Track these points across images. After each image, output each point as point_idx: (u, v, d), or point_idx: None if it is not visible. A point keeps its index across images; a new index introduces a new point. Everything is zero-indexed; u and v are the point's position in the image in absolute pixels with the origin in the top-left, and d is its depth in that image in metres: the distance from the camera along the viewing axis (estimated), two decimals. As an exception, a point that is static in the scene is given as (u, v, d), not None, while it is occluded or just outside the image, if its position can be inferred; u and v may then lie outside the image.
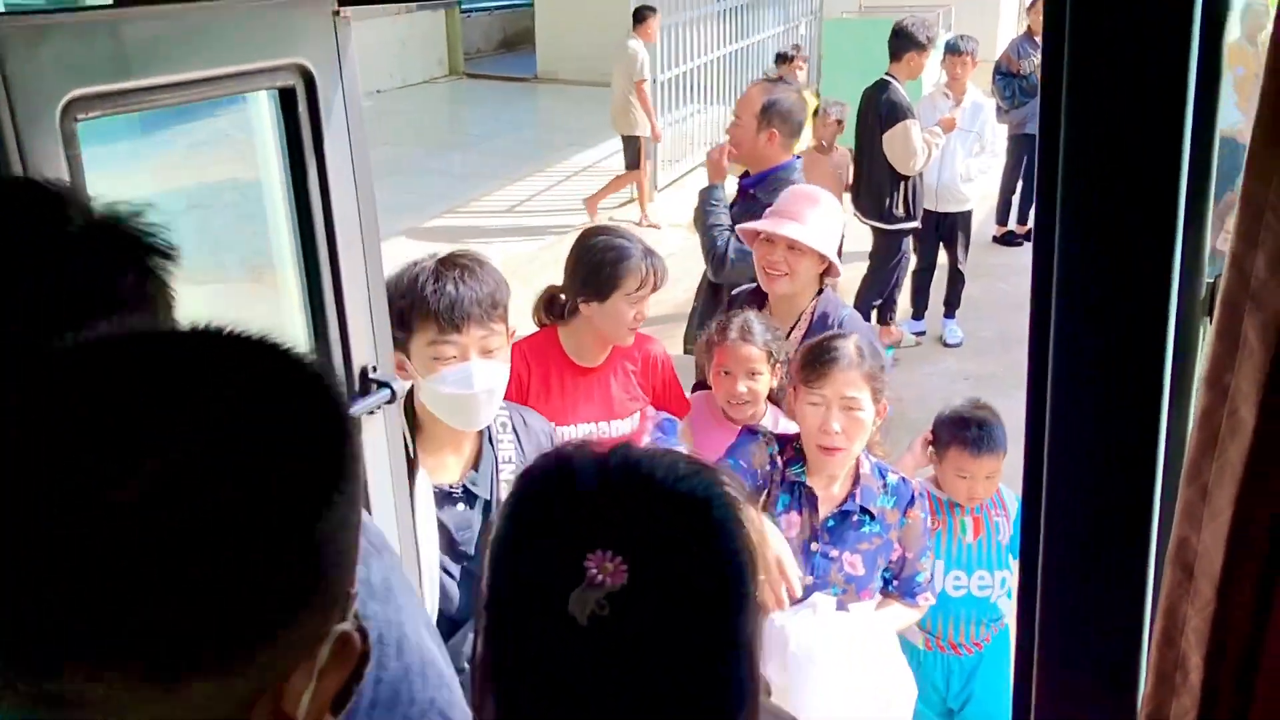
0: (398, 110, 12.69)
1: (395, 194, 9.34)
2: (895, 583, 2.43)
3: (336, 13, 1.14)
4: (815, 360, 2.32)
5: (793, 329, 2.95)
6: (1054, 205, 0.92)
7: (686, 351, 4.12)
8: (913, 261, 6.43)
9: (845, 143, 6.75)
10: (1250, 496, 0.91)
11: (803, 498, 2.34)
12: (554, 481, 0.92)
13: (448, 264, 1.98)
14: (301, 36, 1.14)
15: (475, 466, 2.09)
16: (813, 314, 3.01)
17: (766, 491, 2.35)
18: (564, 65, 14.14)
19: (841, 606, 2.26)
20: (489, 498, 2.07)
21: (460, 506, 2.05)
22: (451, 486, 2.05)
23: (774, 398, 2.86)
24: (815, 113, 5.77)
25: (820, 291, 3.03)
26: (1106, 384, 0.95)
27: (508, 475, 2.08)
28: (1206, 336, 0.90)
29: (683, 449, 2.83)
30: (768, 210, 3.11)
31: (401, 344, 1.95)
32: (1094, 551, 0.99)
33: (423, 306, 1.92)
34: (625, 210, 9.24)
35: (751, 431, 2.49)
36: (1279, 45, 0.79)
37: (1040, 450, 0.98)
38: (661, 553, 0.86)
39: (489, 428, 2.12)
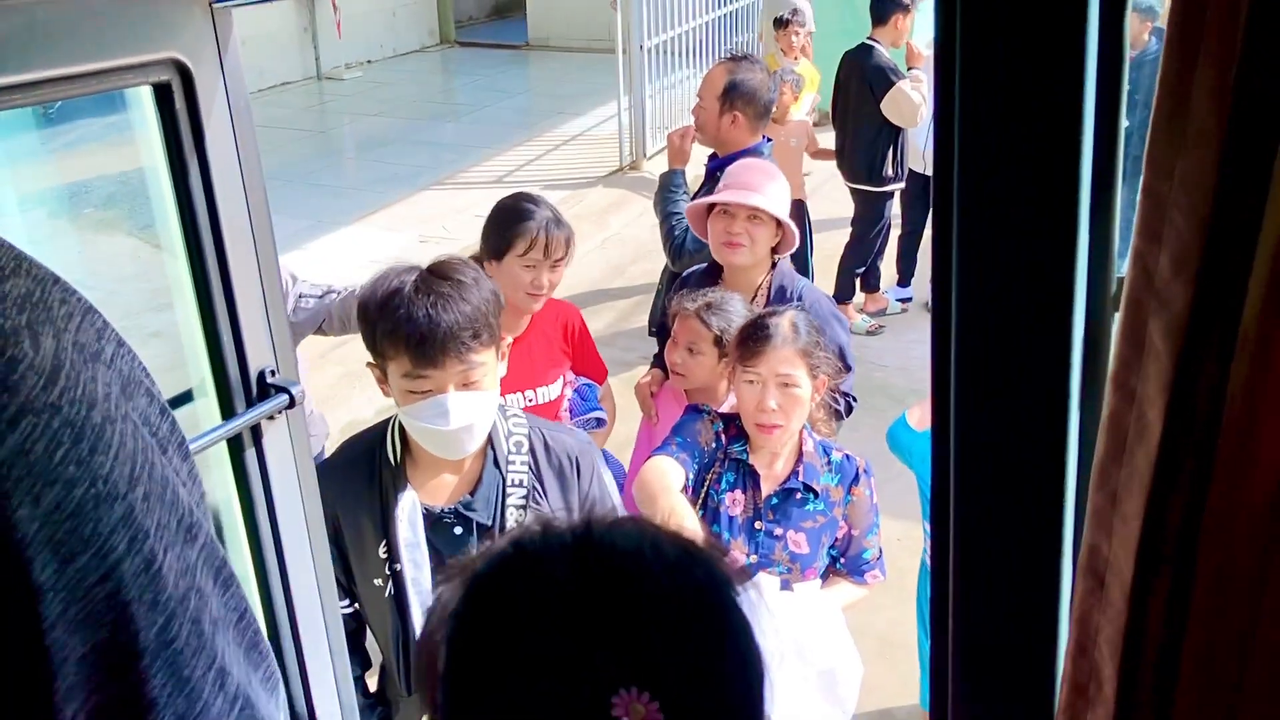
0: (388, 81, 12.61)
1: (385, 166, 9.29)
2: (842, 560, 2.42)
3: (213, 3, 1.09)
4: (750, 338, 2.31)
5: (752, 304, 2.94)
6: (950, 196, 0.87)
7: (651, 333, 4.13)
8: (898, 227, 6.38)
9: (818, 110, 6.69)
10: (1159, 502, 0.86)
11: (745, 476, 2.34)
12: (524, 596, 0.75)
13: (425, 286, 1.80)
14: (175, 30, 1.08)
15: (475, 489, 1.96)
16: (769, 288, 3.00)
17: (712, 469, 2.33)
18: (555, 31, 14.05)
19: (786, 586, 2.25)
20: (489, 523, 1.95)
21: (457, 530, 1.96)
22: (443, 509, 1.95)
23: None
24: None
25: (774, 265, 3.02)
26: (1011, 384, 0.90)
27: (517, 500, 1.96)
28: (1116, 335, 0.86)
29: (602, 415, 2.84)
30: (720, 184, 3.09)
31: (378, 364, 1.85)
32: (1005, 560, 0.95)
33: (396, 334, 1.78)
34: (617, 177, 9.17)
35: (696, 409, 2.47)
36: (1174, 33, 0.74)
37: (947, 455, 0.94)
38: (691, 677, 0.72)
39: (497, 447, 1.96)
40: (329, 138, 10.68)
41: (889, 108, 5.87)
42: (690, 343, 2.74)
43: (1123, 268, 0.89)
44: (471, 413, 1.84)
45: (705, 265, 3.14)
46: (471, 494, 1.95)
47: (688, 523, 2.13)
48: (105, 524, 0.65)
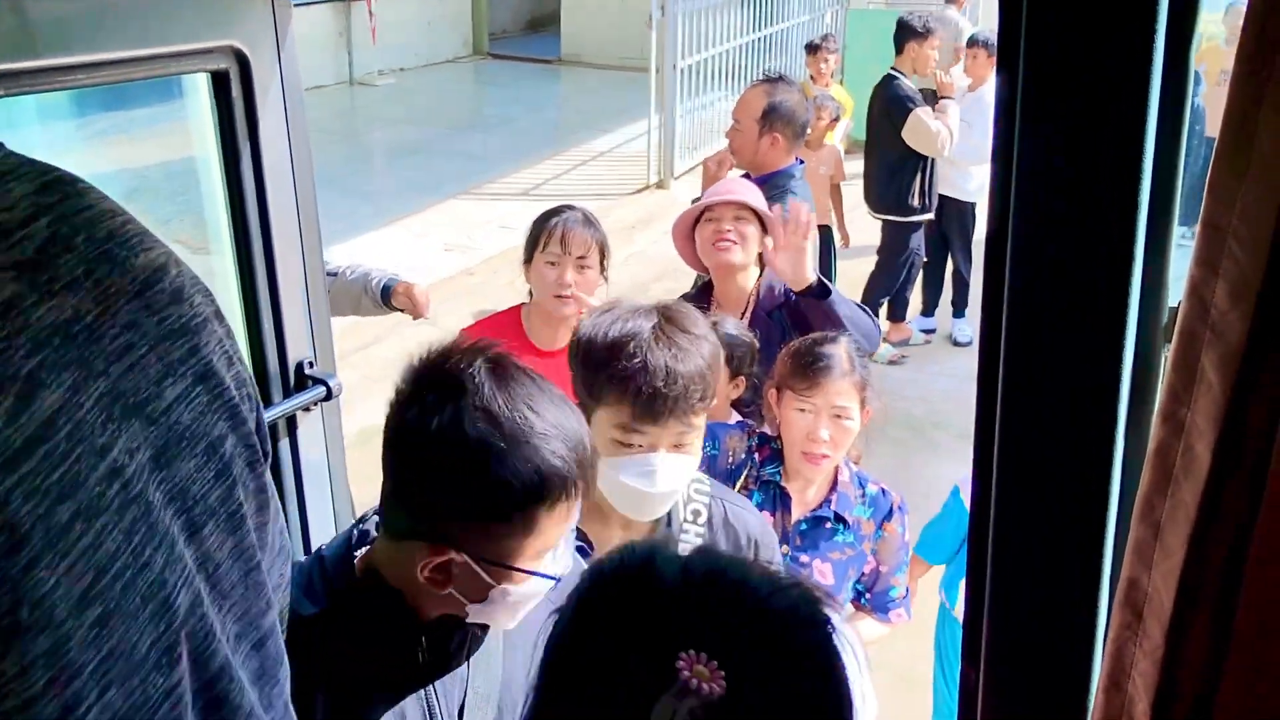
0: (420, 89, 12.68)
1: (414, 173, 9.33)
2: (867, 596, 2.38)
3: (275, -7, 1.10)
4: (806, 366, 2.25)
5: (744, 313, 2.94)
6: (1006, 224, 0.87)
7: None
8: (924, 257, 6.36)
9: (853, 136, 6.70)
10: (1203, 537, 0.85)
11: (777, 498, 2.29)
12: (630, 577, 0.84)
13: (664, 336, 1.63)
14: (236, 18, 1.09)
15: None
16: (758, 291, 3.00)
17: (739, 486, 2.31)
18: (588, 48, 14.11)
19: None
20: None
21: None
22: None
23: (747, 409, 2.80)
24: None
25: (761, 270, 3.04)
26: (1058, 413, 0.90)
27: None
28: (1166, 366, 0.85)
29: None
30: (708, 190, 3.11)
31: (584, 405, 1.68)
32: (1041, 589, 0.94)
33: (625, 383, 1.61)
34: (643, 195, 9.19)
35: (738, 425, 2.45)
36: (1241, 68, 0.73)
37: (989, 480, 0.93)
38: (764, 667, 0.77)
39: (673, 512, 1.83)
40: (359, 143, 10.74)
41: (910, 136, 5.87)
42: None
43: (1175, 298, 0.89)
44: (677, 477, 1.71)
45: (696, 288, 3.15)
46: None
47: None
48: None
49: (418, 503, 1.15)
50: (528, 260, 2.80)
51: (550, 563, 1.19)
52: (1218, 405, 0.82)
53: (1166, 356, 0.85)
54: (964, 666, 1.02)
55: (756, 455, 2.34)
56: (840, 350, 2.29)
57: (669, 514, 1.81)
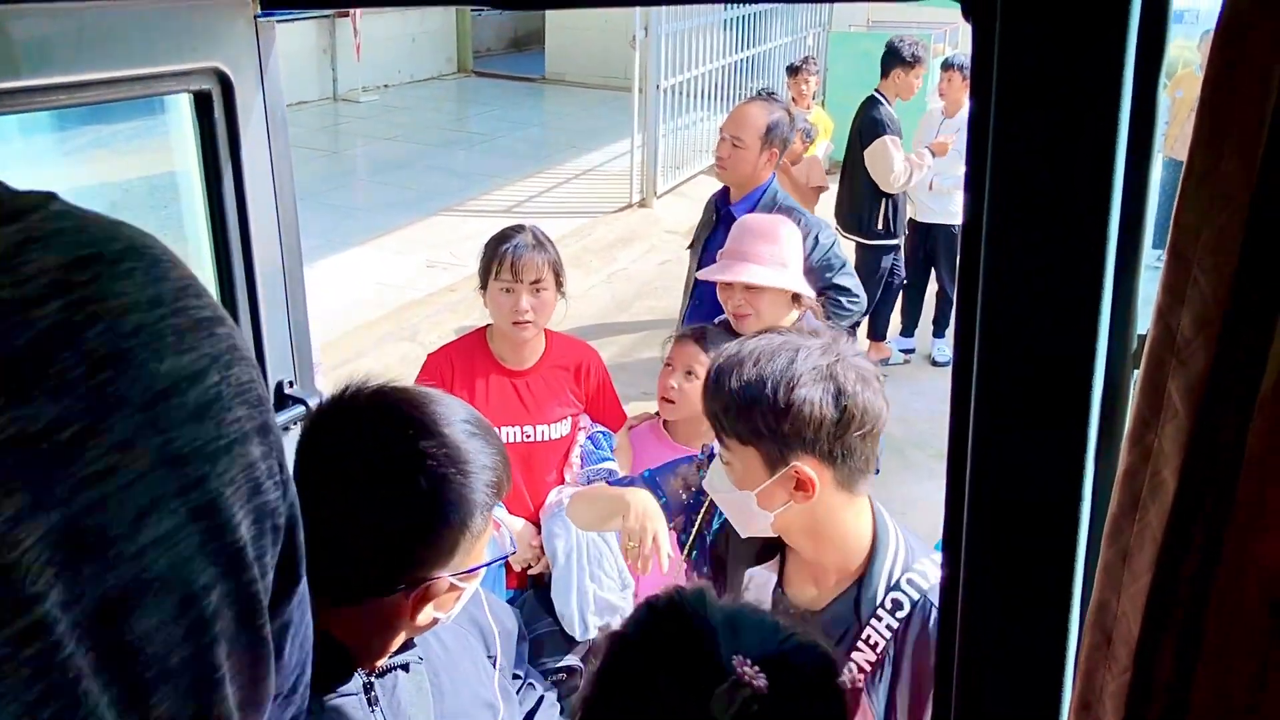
0: (403, 106, 12.71)
1: (396, 189, 9.34)
2: None
3: (257, 15, 1.10)
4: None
5: None
6: (979, 248, 0.88)
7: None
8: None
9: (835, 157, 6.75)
10: (1169, 562, 0.87)
11: None
12: (677, 609, 1.10)
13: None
14: (218, 39, 1.10)
15: (822, 611, 1.72)
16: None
17: (702, 510, 2.29)
18: (572, 66, 14.18)
19: None
20: None
21: None
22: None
23: None
24: None
25: (800, 316, 3.02)
26: (1030, 436, 0.91)
27: (859, 659, 1.66)
28: (1135, 391, 0.86)
29: (614, 467, 2.82)
30: (720, 252, 3.09)
31: None
32: (1013, 611, 0.95)
33: None
34: (625, 214, 9.21)
35: (689, 458, 2.43)
36: (1208, 97, 0.75)
37: (960, 503, 0.94)
38: (792, 673, 1.06)
39: (865, 587, 1.71)
40: (342, 159, 10.75)
41: (869, 160, 5.93)
42: (688, 367, 2.72)
43: (1143, 326, 0.90)
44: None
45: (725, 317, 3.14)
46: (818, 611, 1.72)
47: (664, 534, 2.12)
48: None
49: (391, 551, 1.23)
50: (483, 286, 2.82)
51: (491, 549, 1.34)
52: (1183, 432, 0.83)
53: (1136, 384, 0.86)
54: (937, 688, 1.03)
55: None
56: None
57: (860, 587, 1.70)
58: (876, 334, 6.47)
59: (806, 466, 1.62)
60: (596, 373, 2.94)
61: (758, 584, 1.78)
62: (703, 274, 3.05)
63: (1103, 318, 0.89)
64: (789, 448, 1.63)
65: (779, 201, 3.68)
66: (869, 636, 1.64)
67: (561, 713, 3.10)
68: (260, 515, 0.65)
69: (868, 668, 1.62)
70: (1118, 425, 0.91)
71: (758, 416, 1.63)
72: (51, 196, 0.60)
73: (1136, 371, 0.91)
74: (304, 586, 0.75)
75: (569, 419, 2.89)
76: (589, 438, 2.90)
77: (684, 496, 2.30)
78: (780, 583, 1.78)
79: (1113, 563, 0.88)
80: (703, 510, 2.29)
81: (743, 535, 1.84)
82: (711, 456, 2.35)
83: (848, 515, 1.70)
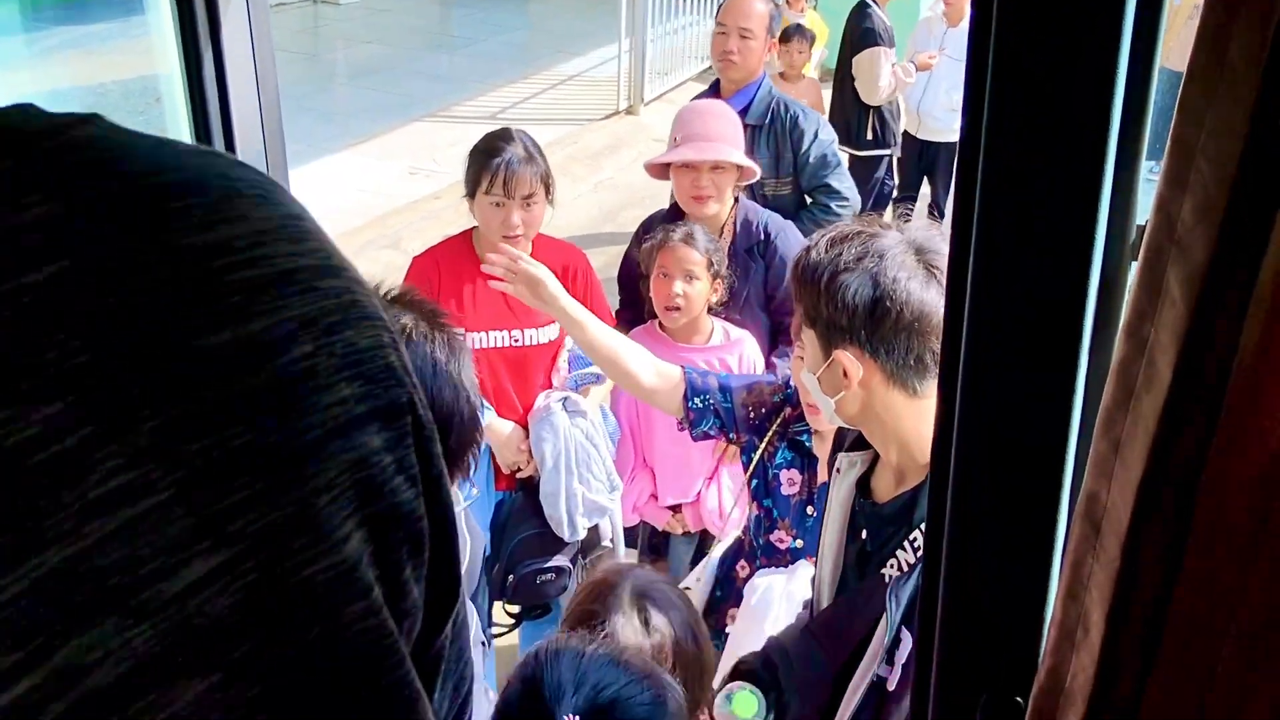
0: (385, 9, 12.45)
1: (378, 94, 9.19)
2: None
3: (237, -106, 1.06)
4: None
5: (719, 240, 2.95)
6: (978, 145, 0.87)
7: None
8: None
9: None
10: (1162, 453, 0.87)
11: (804, 458, 2.25)
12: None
13: None
14: (198, -76, 1.06)
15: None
16: (735, 224, 3.01)
17: (767, 439, 2.27)
18: (559, -33, 13.85)
19: None
20: None
21: None
22: None
23: (717, 312, 2.84)
24: (784, 39, 5.66)
25: (736, 200, 3.03)
26: (1025, 328, 0.90)
27: None
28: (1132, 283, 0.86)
29: (600, 372, 2.84)
30: (678, 137, 3.08)
31: None
32: (1002, 502, 0.96)
33: None
34: (612, 121, 9.10)
35: (767, 377, 2.42)
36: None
37: (953, 393, 0.94)
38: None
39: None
40: (322, 63, 10.55)
41: (856, 70, 5.85)
42: (685, 271, 2.71)
43: (1143, 217, 0.89)
44: None
45: (666, 209, 3.14)
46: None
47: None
48: None
49: None
50: (470, 195, 2.78)
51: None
52: (1181, 321, 0.83)
53: (1133, 274, 0.86)
54: (924, 577, 1.04)
55: (789, 410, 2.27)
56: None
57: (916, 498, 1.67)
58: None
59: (848, 354, 1.60)
60: (584, 275, 2.92)
61: (846, 467, 1.76)
62: (673, 155, 3.02)
63: (1101, 210, 0.88)
64: (832, 334, 1.62)
65: (774, 96, 3.62)
66: (915, 539, 1.64)
67: (549, 611, 3.15)
68: (383, 524, 0.48)
69: (905, 568, 1.61)
70: (1114, 318, 0.90)
71: (808, 298, 1.63)
72: (91, 118, 0.46)
73: (1134, 264, 0.90)
74: (463, 610, 0.58)
75: (557, 323, 2.88)
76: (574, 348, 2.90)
77: (752, 415, 2.26)
78: (868, 472, 1.76)
79: (1104, 454, 0.88)
80: (767, 438, 2.26)
81: (814, 426, 1.96)
82: (787, 384, 2.34)
83: (909, 413, 1.64)
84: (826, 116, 6.22)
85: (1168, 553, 0.92)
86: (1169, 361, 0.85)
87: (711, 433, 2.28)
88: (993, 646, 1.02)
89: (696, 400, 2.22)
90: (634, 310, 3.11)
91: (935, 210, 6.42)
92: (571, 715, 1.24)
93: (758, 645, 2.06)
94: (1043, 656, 0.96)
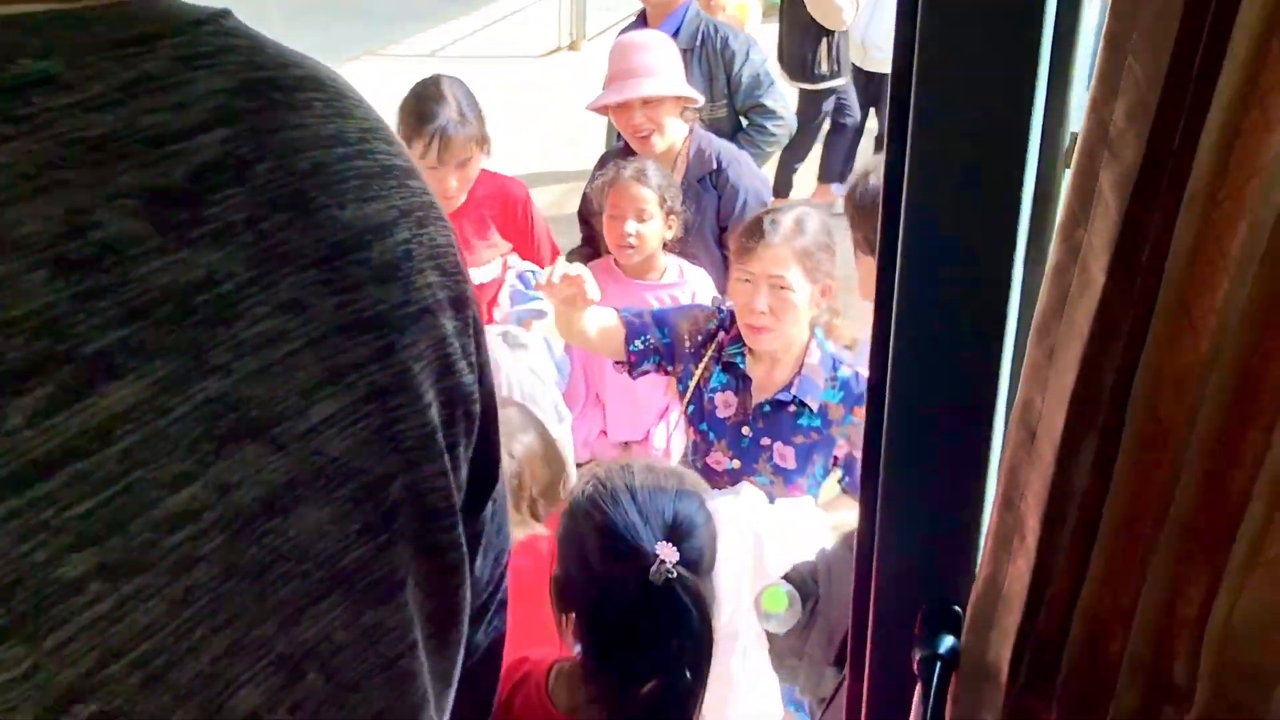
0: (318, -57, 12.12)
1: (311, 35, 8.98)
2: (846, 480, 2.34)
3: None
4: (747, 235, 2.19)
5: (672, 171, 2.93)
6: (911, 58, 0.86)
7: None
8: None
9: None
10: (1095, 358, 0.88)
11: (739, 379, 2.26)
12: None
13: None
14: None
15: None
16: (688, 153, 2.98)
17: (702, 364, 2.28)
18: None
19: (771, 499, 2.20)
20: None
21: None
22: None
23: (671, 247, 2.83)
24: None
25: (690, 130, 3.01)
26: (960, 237, 0.90)
27: None
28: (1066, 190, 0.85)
29: (543, 307, 2.82)
30: (608, 76, 3.04)
31: None
32: (940, 410, 0.96)
33: None
34: (554, 58, 8.99)
35: (698, 306, 2.43)
36: None
37: (889, 304, 0.94)
38: (691, 542, 1.39)
39: None
40: (253, 2, 10.28)
41: (813, 5, 5.79)
42: (637, 209, 2.69)
43: (1077, 124, 0.89)
44: None
45: (623, 144, 3.11)
46: None
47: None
48: None
49: None
50: (405, 143, 2.72)
51: None
52: (1113, 225, 0.83)
53: (1066, 181, 0.86)
54: (862, 490, 1.04)
55: (723, 335, 2.28)
56: (787, 218, 2.20)
57: None
58: (829, 175, 6.42)
59: None
60: (525, 209, 2.88)
61: None
62: (596, 101, 2.99)
63: (1035, 117, 0.87)
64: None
65: (702, 19, 3.57)
66: None
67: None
68: (452, 398, 0.55)
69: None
70: (1048, 224, 0.91)
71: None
72: (224, 13, 0.52)
73: (1067, 172, 0.90)
74: (502, 490, 0.65)
75: (499, 260, 2.85)
76: (519, 276, 2.87)
77: (688, 344, 2.27)
78: None
79: (1039, 360, 0.89)
80: (703, 363, 2.27)
81: (759, 346, 2.21)
82: (720, 309, 2.34)
83: None
84: (765, 45, 6.19)
85: (1101, 457, 0.93)
86: (1102, 266, 0.85)
87: (650, 370, 2.30)
88: (930, 557, 1.03)
89: (637, 343, 2.24)
90: (592, 246, 3.09)
91: (881, 143, 6.41)
92: (662, 542, 1.34)
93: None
94: (980, 564, 0.98)
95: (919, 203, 0.89)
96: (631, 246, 2.69)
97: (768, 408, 2.24)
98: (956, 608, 1.02)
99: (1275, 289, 0.87)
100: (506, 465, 1.80)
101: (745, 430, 2.25)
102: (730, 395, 2.27)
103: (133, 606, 0.42)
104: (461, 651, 0.61)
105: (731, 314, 2.31)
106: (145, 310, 0.42)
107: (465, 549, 0.59)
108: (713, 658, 1.37)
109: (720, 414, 2.27)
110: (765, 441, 2.25)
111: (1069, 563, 0.99)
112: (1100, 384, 0.90)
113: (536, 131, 7.71)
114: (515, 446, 1.86)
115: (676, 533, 1.35)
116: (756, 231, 2.18)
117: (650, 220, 2.67)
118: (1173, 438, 0.95)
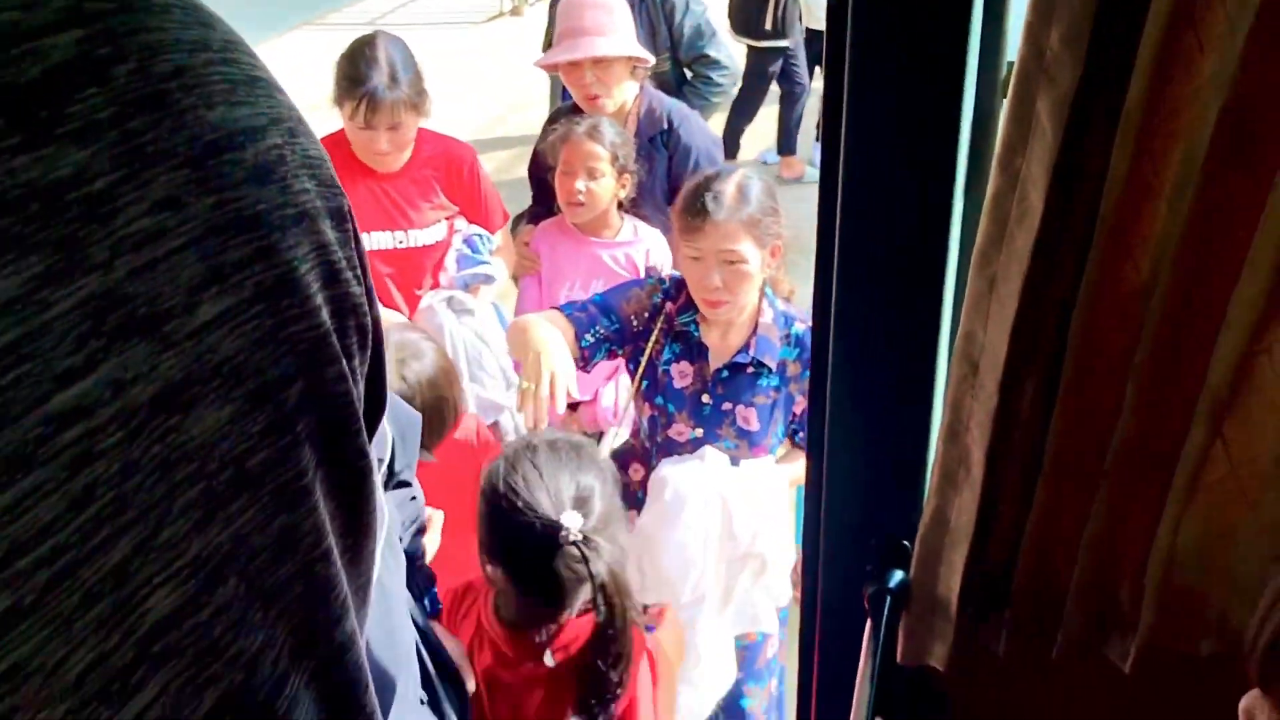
0: (252, -90, 11.87)
1: (249, 3, 8.81)
2: (800, 435, 2.29)
3: None
4: (690, 212, 2.11)
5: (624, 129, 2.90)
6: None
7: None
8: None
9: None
10: (1036, 287, 0.88)
11: (693, 347, 2.22)
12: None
13: None
14: None
15: None
16: (639, 113, 2.95)
17: (652, 340, 2.23)
18: None
19: (735, 462, 2.17)
20: None
21: None
22: None
23: (626, 207, 2.81)
24: None
25: (641, 88, 2.97)
26: (899, 170, 0.90)
27: None
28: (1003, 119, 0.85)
29: (490, 272, 2.79)
30: (557, 34, 2.99)
31: None
32: (883, 345, 0.96)
33: None
34: (496, 24, 8.88)
35: (638, 282, 2.38)
36: None
37: (830, 243, 0.94)
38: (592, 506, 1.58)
39: None
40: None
41: None
42: (588, 167, 2.66)
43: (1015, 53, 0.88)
44: None
45: (571, 103, 3.08)
46: None
47: (564, 378, 2.10)
48: None
49: None
50: (339, 105, 2.67)
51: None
52: (1051, 153, 0.83)
53: (1004, 109, 0.85)
54: (809, 431, 1.04)
55: (670, 305, 2.24)
56: (728, 187, 2.13)
57: None
58: (788, 148, 6.40)
59: None
60: (471, 171, 2.83)
61: None
62: (545, 58, 2.95)
63: (972, 47, 0.87)
64: None
65: None
66: None
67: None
68: (342, 308, 0.55)
69: None
70: (987, 155, 0.90)
71: None
72: None
73: (1005, 101, 0.89)
74: (389, 430, 0.65)
75: (443, 222, 2.80)
76: (465, 240, 2.82)
77: (635, 323, 2.22)
78: None
79: (980, 292, 0.89)
80: (652, 339, 2.22)
81: (717, 317, 2.16)
82: (661, 280, 2.30)
83: None
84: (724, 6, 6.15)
85: (1044, 387, 0.94)
86: (1040, 194, 0.85)
87: (603, 360, 2.26)
88: (878, 494, 1.03)
89: (587, 337, 2.18)
90: (544, 204, 3.05)
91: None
92: (568, 512, 1.52)
93: (674, 542, 2.06)
94: (927, 498, 0.98)
95: (857, 137, 0.89)
96: (581, 204, 2.67)
97: (726, 372, 2.21)
98: (905, 542, 1.02)
99: (1211, 213, 0.88)
100: (400, 389, 1.84)
101: (705, 398, 2.21)
102: (686, 365, 2.24)
103: (33, 502, 0.42)
104: (375, 567, 0.62)
105: (676, 281, 2.27)
106: (13, 207, 0.42)
107: (372, 460, 0.58)
108: (629, 593, 1.60)
109: (678, 384, 2.23)
110: (726, 406, 2.21)
111: (1014, 494, 1.00)
112: (1041, 313, 0.90)
113: (480, 98, 7.63)
114: (408, 371, 1.92)
115: (580, 502, 1.57)
116: (700, 208, 2.11)
117: (602, 178, 2.64)
118: (1114, 365, 0.95)
